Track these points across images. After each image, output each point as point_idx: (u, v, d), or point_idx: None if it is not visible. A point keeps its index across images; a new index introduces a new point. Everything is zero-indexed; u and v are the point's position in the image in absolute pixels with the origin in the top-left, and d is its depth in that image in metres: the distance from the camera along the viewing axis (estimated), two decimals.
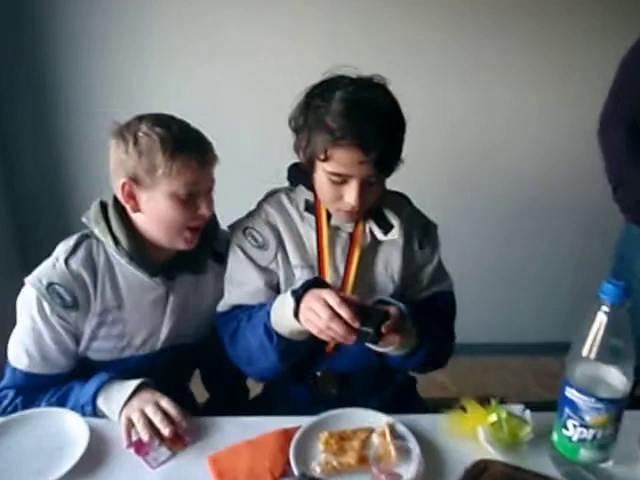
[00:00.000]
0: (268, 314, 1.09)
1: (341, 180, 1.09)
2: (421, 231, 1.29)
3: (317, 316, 0.98)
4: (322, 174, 1.11)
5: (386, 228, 1.21)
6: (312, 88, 1.12)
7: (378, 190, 1.14)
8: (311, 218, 1.22)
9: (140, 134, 1.08)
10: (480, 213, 2.73)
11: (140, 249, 1.16)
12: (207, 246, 1.25)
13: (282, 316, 1.06)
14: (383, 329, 1.00)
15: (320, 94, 1.09)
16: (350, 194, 1.10)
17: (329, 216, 1.21)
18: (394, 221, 1.21)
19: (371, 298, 1.19)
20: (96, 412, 1.09)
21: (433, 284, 1.30)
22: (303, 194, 1.23)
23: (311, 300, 1.00)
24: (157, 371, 1.18)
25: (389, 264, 1.24)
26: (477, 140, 2.63)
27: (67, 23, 2.35)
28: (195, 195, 1.13)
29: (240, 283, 1.23)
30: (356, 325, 0.97)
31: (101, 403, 1.09)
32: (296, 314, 1.03)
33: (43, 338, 1.13)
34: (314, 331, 1.00)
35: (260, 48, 2.43)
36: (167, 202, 1.11)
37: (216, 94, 2.48)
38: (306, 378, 1.27)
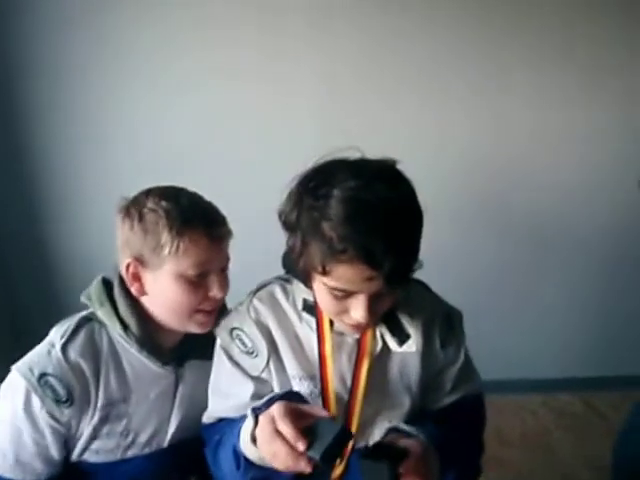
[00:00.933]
0: (238, 433, 0.91)
1: (345, 295, 0.90)
2: (444, 326, 1.07)
3: (264, 439, 0.81)
4: (321, 287, 0.92)
5: (401, 337, 1.01)
6: (305, 178, 0.91)
7: (394, 298, 0.94)
8: (311, 320, 1.02)
9: (145, 210, 1.01)
10: (500, 236, 2.61)
11: (150, 334, 1.07)
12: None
13: (244, 442, 0.89)
14: (401, 469, 0.82)
15: (314, 190, 0.87)
16: (357, 310, 0.90)
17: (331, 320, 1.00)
18: (410, 329, 1.01)
19: (381, 415, 1.01)
20: None
21: (458, 388, 1.09)
22: (301, 291, 1.02)
23: (262, 418, 0.84)
24: (161, 476, 1.06)
25: (405, 372, 1.04)
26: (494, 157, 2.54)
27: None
28: (206, 275, 1.04)
29: (226, 395, 1.04)
30: (300, 447, 0.77)
31: None
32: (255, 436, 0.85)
33: (22, 436, 1.00)
34: (267, 458, 0.82)
35: (254, 70, 2.35)
36: (174, 284, 1.02)
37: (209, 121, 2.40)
38: None
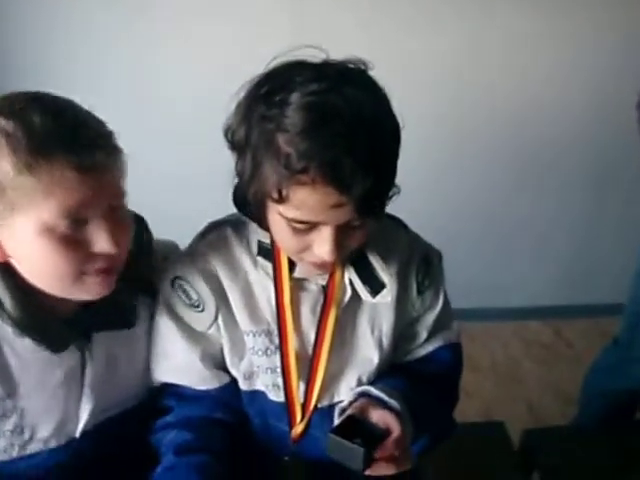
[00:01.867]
0: None
1: (307, 227, 0.75)
2: (421, 270, 0.94)
3: None
4: (278, 218, 0.76)
5: (374, 286, 0.87)
6: (256, 84, 0.74)
7: (365, 232, 0.80)
8: (267, 265, 0.88)
9: None
10: (476, 162, 2.49)
11: (34, 312, 0.79)
12: (133, 284, 0.87)
13: None
14: (377, 454, 0.74)
15: (266, 97, 0.71)
16: (322, 246, 0.76)
17: (292, 263, 0.86)
18: (385, 277, 0.87)
19: (347, 371, 0.92)
20: None
21: (434, 337, 0.99)
22: (256, 232, 0.88)
23: None
24: (85, 466, 0.88)
25: (376, 323, 0.92)
26: (475, 83, 2.38)
27: None
28: (84, 223, 0.74)
29: (165, 354, 0.91)
30: None
31: None
32: None
33: None
34: None
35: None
36: (39, 241, 0.72)
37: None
38: (270, 466, 0.96)
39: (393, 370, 0.95)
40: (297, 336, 0.89)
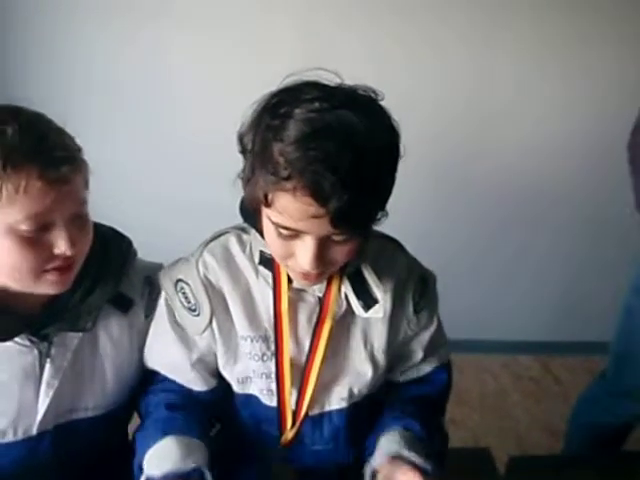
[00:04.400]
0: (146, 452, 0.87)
1: (291, 234, 0.79)
2: (418, 290, 0.98)
3: None
4: (267, 222, 0.81)
5: (367, 301, 0.90)
6: (270, 97, 0.79)
7: (350, 248, 0.82)
8: (268, 274, 0.91)
9: None
10: (469, 198, 2.54)
11: None
12: (96, 292, 0.91)
13: None
14: None
15: (274, 108, 0.76)
16: (303, 255, 0.79)
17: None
18: (378, 293, 0.90)
19: (339, 382, 0.95)
20: None
21: (430, 357, 1.02)
22: (258, 242, 0.91)
23: None
24: (44, 467, 0.90)
25: (369, 338, 0.95)
26: (480, 115, 2.44)
27: None
28: (48, 228, 0.81)
29: (158, 350, 0.96)
30: None
31: None
32: None
33: None
34: None
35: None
36: (4, 241, 0.79)
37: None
38: (258, 470, 0.99)
39: (397, 397, 1.01)
40: (292, 344, 0.92)
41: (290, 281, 0.90)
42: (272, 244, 0.84)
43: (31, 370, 0.89)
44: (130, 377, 0.98)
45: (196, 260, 0.95)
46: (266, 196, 0.76)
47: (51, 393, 0.89)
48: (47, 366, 0.89)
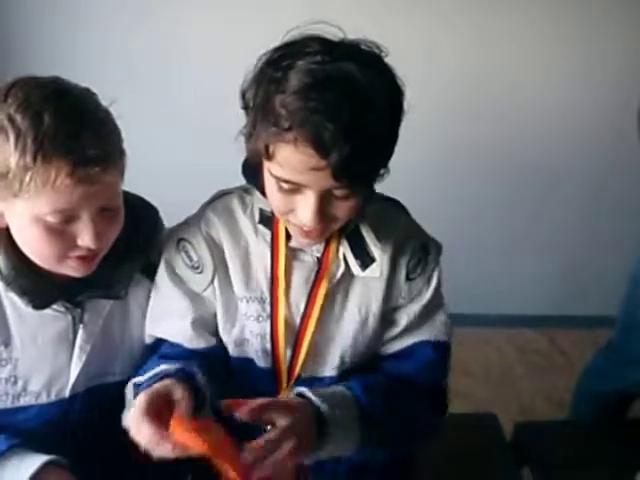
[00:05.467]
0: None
1: (292, 188, 0.78)
2: (415, 256, 0.94)
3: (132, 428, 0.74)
4: (268, 176, 0.80)
5: (364, 260, 0.90)
6: (272, 51, 0.79)
7: (352, 205, 0.81)
8: (266, 233, 0.91)
9: None
10: (478, 171, 2.52)
11: (25, 270, 0.85)
12: (127, 262, 0.92)
13: None
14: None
15: (277, 61, 0.76)
16: (304, 210, 0.78)
17: (290, 233, 0.89)
18: (376, 252, 0.89)
19: (332, 344, 0.92)
20: None
21: (415, 330, 0.95)
22: (259, 201, 0.90)
23: (132, 410, 0.76)
24: (75, 429, 0.92)
25: (365, 302, 0.92)
26: (482, 93, 2.42)
27: None
28: (73, 220, 0.80)
29: (164, 313, 0.94)
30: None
31: None
32: None
33: None
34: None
35: None
36: (31, 227, 0.79)
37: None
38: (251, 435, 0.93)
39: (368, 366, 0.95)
40: (287, 304, 0.91)
41: (288, 240, 0.90)
42: (273, 199, 0.83)
43: (65, 335, 0.91)
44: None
45: (199, 218, 0.94)
46: (267, 148, 0.75)
47: (84, 357, 0.92)
48: (80, 331, 0.91)
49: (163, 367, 0.84)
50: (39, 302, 0.87)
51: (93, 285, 0.90)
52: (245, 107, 0.81)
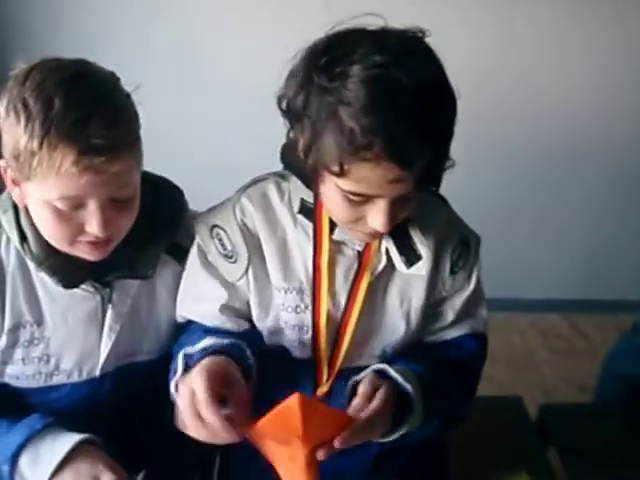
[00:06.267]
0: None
1: (363, 199, 0.76)
2: (457, 250, 0.94)
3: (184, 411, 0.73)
4: (334, 189, 0.76)
5: (410, 257, 0.87)
6: (313, 53, 0.74)
7: (414, 204, 0.81)
8: (308, 225, 0.88)
9: (13, 98, 0.76)
10: (496, 154, 2.52)
11: (51, 251, 0.86)
12: (152, 243, 0.92)
13: None
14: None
15: (326, 68, 0.71)
16: (376, 218, 0.76)
17: (332, 224, 0.86)
18: (422, 249, 0.87)
19: (373, 338, 0.92)
20: (14, 474, 0.81)
21: (461, 322, 0.96)
22: (299, 190, 0.87)
23: (182, 388, 0.75)
24: (104, 407, 0.94)
25: (406, 296, 0.91)
26: (499, 77, 2.41)
27: None
28: (82, 206, 0.80)
29: (195, 297, 0.93)
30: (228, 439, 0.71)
31: (25, 465, 0.81)
32: None
33: None
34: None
35: None
36: (42, 209, 0.80)
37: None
38: None
39: (417, 351, 0.95)
40: (330, 297, 0.90)
41: (330, 232, 0.87)
42: (338, 211, 0.80)
43: (94, 315, 0.92)
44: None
45: (233, 205, 0.92)
46: (341, 166, 0.71)
47: (113, 337, 0.93)
48: (109, 311, 0.92)
49: (215, 341, 0.82)
50: (68, 281, 0.87)
51: (120, 266, 0.90)
52: (288, 112, 0.77)
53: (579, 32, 2.36)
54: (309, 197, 0.87)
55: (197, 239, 0.93)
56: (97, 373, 0.94)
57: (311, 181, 0.82)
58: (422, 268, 0.89)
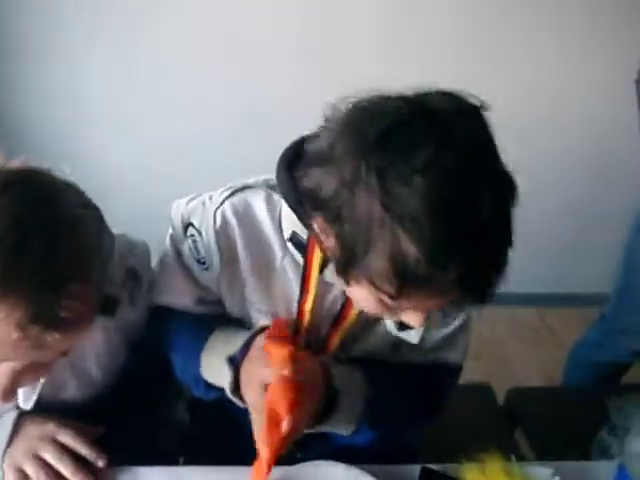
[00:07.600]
0: (198, 356, 0.85)
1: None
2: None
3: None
4: (367, 292, 0.67)
5: (402, 324, 0.78)
6: (363, 139, 0.60)
7: None
8: (298, 258, 0.81)
9: None
10: None
11: None
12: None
13: (215, 379, 0.84)
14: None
15: (381, 168, 0.59)
16: (412, 318, 0.70)
17: (323, 263, 0.78)
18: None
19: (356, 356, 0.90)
20: None
21: (436, 351, 0.93)
22: (292, 222, 0.78)
23: (248, 370, 0.77)
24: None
25: (392, 332, 0.88)
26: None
27: None
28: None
29: (168, 289, 0.91)
30: None
31: None
32: (237, 388, 0.79)
33: None
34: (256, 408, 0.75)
35: None
36: None
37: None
38: None
39: (381, 365, 0.93)
40: (310, 330, 0.87)
41: (320, 271, 0.80)
42: (366, 305, 0.73)
43: None
44: (116, 367, 0.96)
45: (215, 209, 0.83)
46: (398, 291, 0.62)
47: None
48: None
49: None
50: None
51: None
52: (316, 204, 0.66)
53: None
54: (302, 233, 0.78)
55: (170, 230, 0.91)
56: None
57: (339, 275, 0.69)
58: (413, 336, 0.86)
